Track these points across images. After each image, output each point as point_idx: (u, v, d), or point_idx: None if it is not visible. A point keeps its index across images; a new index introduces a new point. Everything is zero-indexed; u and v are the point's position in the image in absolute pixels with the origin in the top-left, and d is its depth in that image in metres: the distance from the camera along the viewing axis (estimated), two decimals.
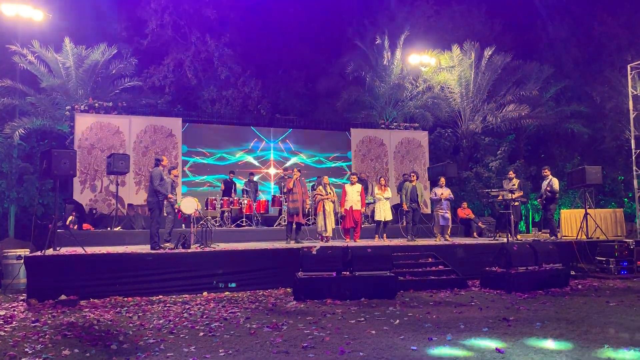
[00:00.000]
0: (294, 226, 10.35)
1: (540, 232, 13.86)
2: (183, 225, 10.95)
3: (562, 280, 8.39)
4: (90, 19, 17.91)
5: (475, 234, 12.77)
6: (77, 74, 14.65)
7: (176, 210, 9.97)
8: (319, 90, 21.31)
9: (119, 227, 11.21)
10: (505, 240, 9.88)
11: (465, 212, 13.33)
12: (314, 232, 11.16)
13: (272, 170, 15.33)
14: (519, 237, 11.39)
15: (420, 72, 18.23)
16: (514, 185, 11.09)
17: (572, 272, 9.34)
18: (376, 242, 10.71)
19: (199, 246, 8.78)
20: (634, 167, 14.03)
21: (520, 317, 5.79)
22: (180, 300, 7.32)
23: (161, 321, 5.75)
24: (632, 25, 19.61)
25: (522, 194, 11.38)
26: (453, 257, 9.30)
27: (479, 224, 13.00)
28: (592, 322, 5.50)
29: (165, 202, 8.93)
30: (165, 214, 9.41)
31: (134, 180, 13.44)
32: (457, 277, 8.48)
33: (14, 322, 5.80)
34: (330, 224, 10.72)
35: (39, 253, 7.83)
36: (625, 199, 19.05)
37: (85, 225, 11.26)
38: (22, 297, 7.64)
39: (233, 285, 8.06)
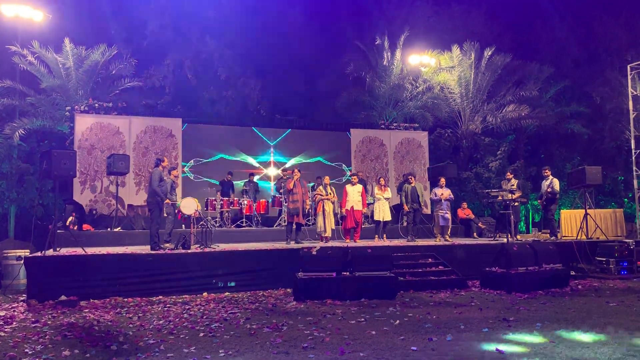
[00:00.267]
0: (294, 227, 10.35)
1: (540, 233, 13.85)
2: (183, 225, 10.95)
3: (562, 280, 8.39)
4: (90, 19, 17.89)
5: (475, 234, 12.77)
6: (77, 74, 14.65)
7: (176, 211, 9.97)
8: (318, 90, 21.29)
9: (119, 228, 11.20)
10: (505, 240, 9.87)
11: (465, 212, 13.33)
12: (314, 233, 11.16)
13: (272, 171, 15.32)
14: (518, 237, 11.39)
15: (420, 72, 18.23)
16: (512, 185, 11.09)
17: (572, 273, 9.35)
18: (376, 242, 10.71)
19: (199, 247, 8.78)
20: (634, 167, 14.03)
21: (521, 318, 5.79)
22: (180, 300, 7.32)
23: (161, 322, 5.75)
24: (632, 25, 19.61)
25: (521, 194, 11.38)
26: (453, 258, 9.30)
27: (479, 225, 13.00)
28: (593, 322, 5.49)
29: (165, 203, 8.94)
30: (165, 215, 9.41)
31: (134, 180, 13.44)
32: (457, 278, 8.48)
33: (14, 323, 5.80)
34: (330, 224, 10.72)
35: (39, 254, 7.84)
36: (625, 199, 19.06)
37: (85, 226, 11.26)
38: (22, 298, 7.64)
39: (232, 284, 8.07)
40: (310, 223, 12.13)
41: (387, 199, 11.28)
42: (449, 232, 11.05)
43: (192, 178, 14.40)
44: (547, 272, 8.28)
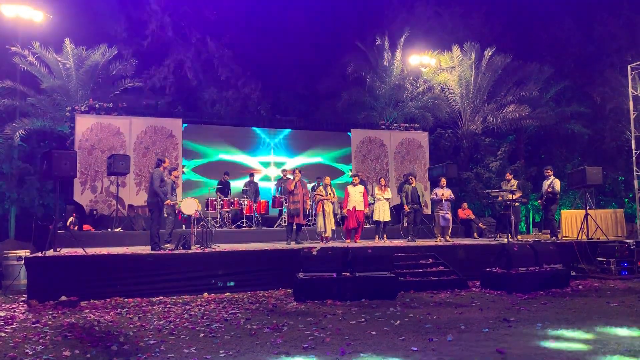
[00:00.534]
0: (294, 227, 10.35)
1: (540, 233, 13.85)
2: (183, 226, 10.96)
3: (562, 280, 8.39)
4: (90, 20, 17.89)
5: (475, 234, 12.76)
6: (77, 74, 14.66)
7: (177, 211, 9.97)
8: (319, 91, 21.30)
9: (120, 228, 11.21)
10: (505, 240, 9.87)
11: (465, 212, 13.33)
12: (314, 233, 11.15)
13: (272, 171, 15.32)
14: (519, 237, 11.38)
15: (421, 72, 18.23)
16: (512, 186, 11.09)
17: (573, 273, 9.35)
18: (376, 242, 10.71)
19: (200, 247, 8.78)
20: (635, 168, 14.02)
21: (521, 318, 5.78)
22: (180, 301, 7.32)
23: (162, 322, 5.75)
24: (633, 25, 19.61)
25: (521, 194, 11.37)
26: (453, 258, 9.30)
27: (480, 225, 13.00)
28: (593, 323, 5.49)
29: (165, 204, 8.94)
30: (165, 215, 9.41)
31: (134, 181, 13.45)
32: (457, 278, 8.47)
33: (15, 323, 5.81)
34: (330, 224, 10.72)
35: (39, 254, 7.84)
36: (626, 200, 19.05)
37: (86, 226, 11.26)
38: (22, 298, 7.64)
39: (232, 284, 8.07)
40: (311, 223, 12.13)
41: (387, 199, 11.28)
42: (449, 232, 11.04)
43: (192, 179, 14.41)
44: (547, 272, 8.28)
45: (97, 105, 13.58)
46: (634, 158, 14.10)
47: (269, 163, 15.37)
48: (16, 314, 6.44)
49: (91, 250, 8.22)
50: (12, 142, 14.02)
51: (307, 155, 15.73)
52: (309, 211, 12.03)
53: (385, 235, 11.29)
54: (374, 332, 5.12)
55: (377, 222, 11.27)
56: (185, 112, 16.88)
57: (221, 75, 20.25)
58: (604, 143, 19.21)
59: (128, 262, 7.79)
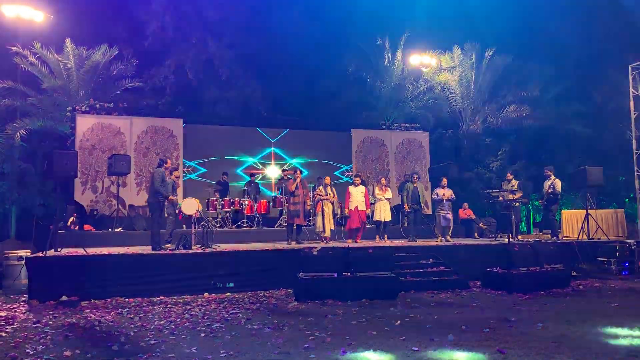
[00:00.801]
0: (295, 227, 10.34)
1: (541, 233, 13.82)
2: (184, 226, 10.95)
3: (563, 280, 8.39)
4: (91, 20, 17.88)
5: (476, 234, 12.76)
6: (78, 75, 14.66)
7: (177, 211, 9.97)
8: (319, 91, 21.28)
9: (120, 228, 11.21)
10: (506, 240, 9.86)
11: (466, 212, 13.32)
12: (314, 233, 11.15)
13: (273, 171, 15.32)
14: (520, 237, 11.37)
15: (421, 72, 18.22)
16: (513, 186, 11.08)
17: (574, 273, 9.34)
18: (377, 242, 10.70)
19: (200, 247, 8.78)
20: (635, 168, 14.01)
21: (522, 318, 5.78)
22: (181, 301, 7.32)
23: (162, 322, 5.75)
24: (633, 25, 19.58)
25: (522, 194, 11.37)
26: (454, 258, 9.29)
27: (480, 225, 12.99)
28: (594, 323, 5.49)
29: (166, 203, 8.93)
30: (166, 215, 9.41)
31: (135, 181, 13.45)
32: (458, 278, 8.47)
33: (15, 323, 5.81)
34: (329, 224, 10.70)
35: (40, 254, 7.85)
36: (627, 200, 19.02)
37: (86, 226, 11.27)
38: (23, 298, 7.64)
39: (231, 285, 8.06)
40: (312, 224, 12.13)
41: (387, 199, 11.27)
42: (450, 232, 11.04)
43: (192, 178, 14.41)
44: (548, 272, 8.28)
45: (97, 105, 13.59)
46: (634, 158, 14.09)
47: (270, 163, 15.37)
48: (17, 313, 6.44)
49: (92, 250, 8.23)
50: (12, 142, 14.01)
51: (307, 155, 15.72)
52: (309, 211, 12.03)
53: (386, 235, 11.28)
54: (374, 332, 5.12)
55: (378, 222, 11.27)
56: (186, 112, 16.86)
57: (222, 75, 20.22)
58: (604, 143, 19.17)
59: (129, 262, 7.79)
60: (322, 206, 10.70)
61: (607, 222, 13.22)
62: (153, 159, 13.39)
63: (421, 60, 17.86)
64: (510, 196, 10.39)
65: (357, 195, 10.87)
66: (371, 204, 11.87)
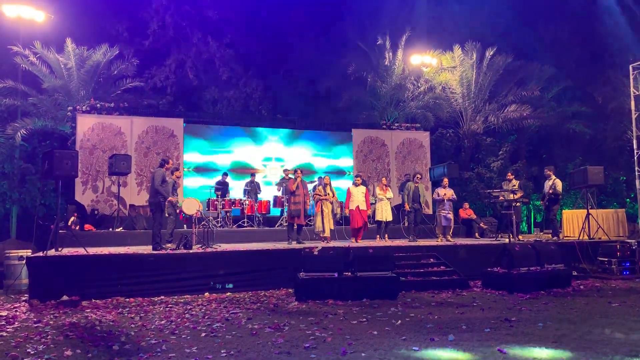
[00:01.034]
0: (295, 227, 10.34)
1: (542, 233, 13.83)
2: (185, 225, 10.96)
3: (564, 280, 8.38)
4: (91, 20, 17.92)
5: (477, 234, 12.75)
6: (78, 74, 14.68)
7: (178, 211, 9.97)
8: (320, 90, 21.31)
9: (121, 228, 11.21)
10: (507, 240, 9.87)
11: (467, 212, 13.31)
12: (314, 233, 11.15)
13: (273, 171, 15.32)
14: (520, 237, 11.36)
15: (422, 72, 18.22)
16: (514, 186, 11.07)
17: (574, 273, 9.34)
18: (378, 242, 10.70)
19: (201, 247, 8.79)
20: (636, 168, 14.00)
21: (522, 318, 5.78)
22: (182, 300, 7.32)
23: (163, 322, 5.75)
24: (634, 25, 19.57)
25: (523, 194, 11.36)
26: (455, 258, 9.30)
27: (481, 225, 12.98)
28: (594, 323, 5.48)
29: (167, 203, 8.93)
30: (167, 215, 9.41)
31: (135, 181, 13.46)
32: (458, 278, 8.47)
33: (16, 323, 5.81)
34: (329, 224, 10.70)
35: (40, 254, 7.85)
36: (627, 199, 19.01)
37: (87, 226, 11.27)
38: (24, 298, 7.65)
39: (230, 285, 8.07)
40: (312, 223, 12.13)
41: (388, 199, 11.27)
42: (450, 232, 11.04)
43: (193, 177, 14.41)
44: (549, 272, 8.27)
45: (98, 105, 13.59)
46: (635, 158, 14.08)
47: (270, 163, 15.37)
48: (18, 313, 6.44)
49: (92, 250, 8.23)
50: (13, 142, 14.04)
51: (307, 155, 15.72)
52: (309, 210, 12.04)
53: (386, 235, 11.28)
54: (375, 332, 5.12)
55: (379, 222, 11.27)
56: (187, 111, 16.88)
57: (222, 75, 20.26)
58: (605, 143, 19.18)
59: (129, 262, 7.79)
60: (322, 206, 10.70)
61: (607, 221, 13.21)
62: (154, 158, 13.40)
63: (422, 60, 17.86)
64: (511, 196, 10.39)
65: (357, 195, 10.87)
66: (372, 203, 11.87)
